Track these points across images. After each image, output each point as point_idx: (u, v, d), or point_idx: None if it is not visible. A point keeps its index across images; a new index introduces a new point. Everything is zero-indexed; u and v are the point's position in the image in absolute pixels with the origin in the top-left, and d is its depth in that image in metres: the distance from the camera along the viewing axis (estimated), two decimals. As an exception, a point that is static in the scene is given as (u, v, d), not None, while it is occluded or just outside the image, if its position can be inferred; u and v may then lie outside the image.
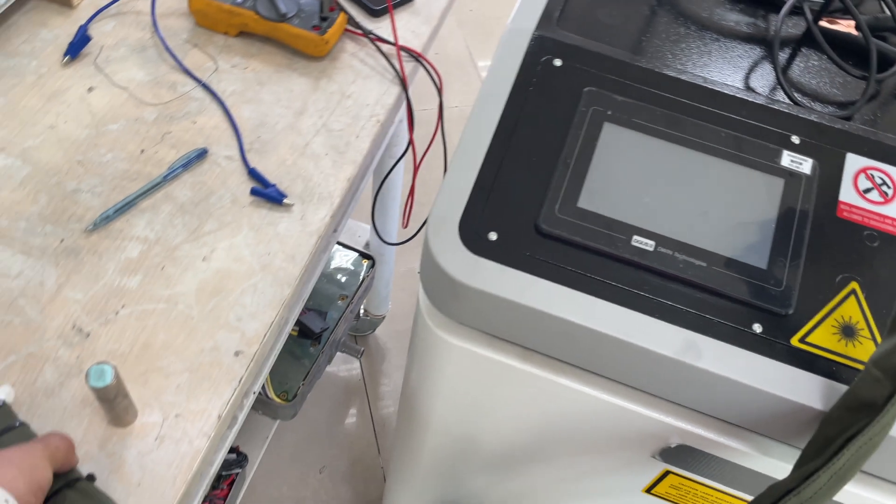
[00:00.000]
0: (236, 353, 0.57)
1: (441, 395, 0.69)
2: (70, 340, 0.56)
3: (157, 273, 0.60)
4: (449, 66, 1.95)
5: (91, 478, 0.49)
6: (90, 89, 0.71)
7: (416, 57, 0.78)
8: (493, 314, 0.57)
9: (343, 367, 1.47)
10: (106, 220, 0.62)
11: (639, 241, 0.55)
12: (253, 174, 0.67)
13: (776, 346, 0.51)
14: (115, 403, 0.50)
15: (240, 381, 0.56)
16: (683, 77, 0.62)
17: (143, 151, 0.67)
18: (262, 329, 0.59)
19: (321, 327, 0.99)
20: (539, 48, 0.63)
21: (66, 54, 0.72)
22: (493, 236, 0.55)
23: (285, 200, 0.65)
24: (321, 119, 0.72)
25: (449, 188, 0.56)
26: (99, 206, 0.63)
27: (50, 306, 0.58)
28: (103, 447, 0.52)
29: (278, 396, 0.98)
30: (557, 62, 0.62)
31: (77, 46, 0.72)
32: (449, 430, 0.74)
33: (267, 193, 0.65)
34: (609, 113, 0.60)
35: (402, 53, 0.78)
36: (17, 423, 0.49)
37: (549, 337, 0.57)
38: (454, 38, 2.06)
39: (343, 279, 1.08)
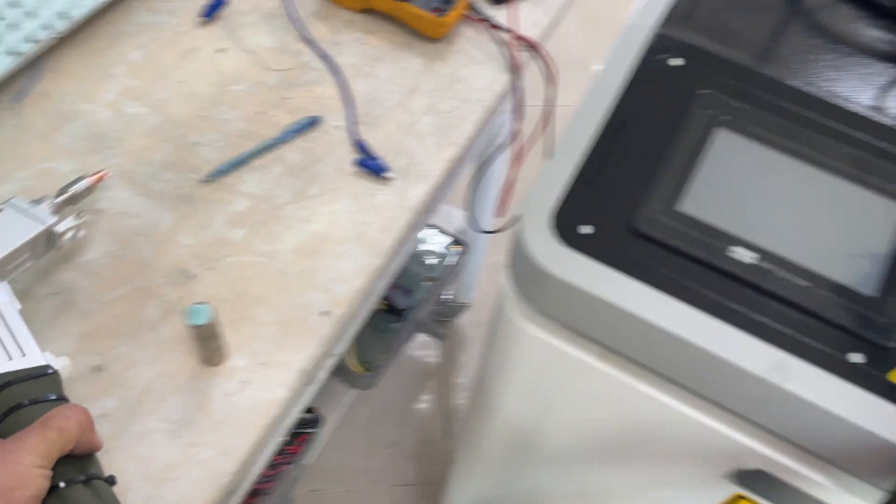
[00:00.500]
0: (324, 313, 0.59)
1: (514, 384, 0.69)
2: (176, 280, 0.60)
3: (260, 228, 0.64)
4: (564, 65, 1.92)
5: (111, 480, 0.44)
6: (220, 50, 0.75)
7: (532, 47, 0.78)
8: (577, 309, 0.57)
9: (423, 351, 1.49)
10: (220, 173, 0.66)
11: (739, 253, 0.53)
12: (360, 146, 0.69)
13: (874, 378, 0.48)
14: (208, 343, 0.53)
15: (324, 340, 0.58)
16: (810, 89, 0.60)
17: (261, 113, 0.71)
18: (350, 293, 0.61)
19: (406, 304, 1.01)
20: (659, 46, 0.62)
21: (202, 15, 0.76)
22: (586, 230, 0.55)
23: (387, 174, 0.67)
24: (430, 99, 0.73)
25: (548, 176, 0.56)
26: (215, 160, 0.67)
27: (162, 247, 0.62)
28: (193, 382, 0.55)
29: (360, 366, 1.01)
30: (677, 61, 0.61)
31: (213, 8, 0.77)
32: (517, 421, 0.74)
33: (370, 165, 0.67)
34: (724, 118, 0.58)
35: (518, 43, 0.78)
36: (53, 397, 0.46)
37: (633, 339, 0.56)
38: (573, 38, 2.04)
39: (432, 262, 1.10)
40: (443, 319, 1.48)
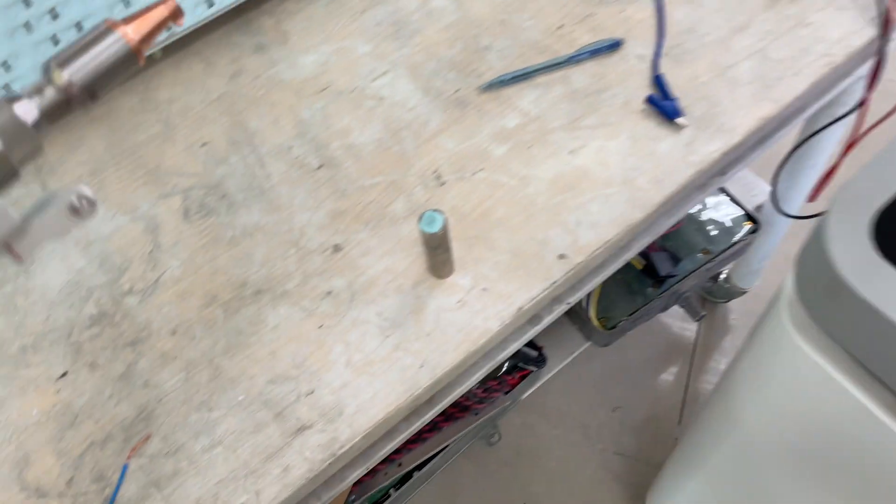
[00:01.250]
0: (560, 256, 0.54)
1: (766, 398, 0.58)
2: (427, 183, 0.59)
3: (523, 150, 0.59)
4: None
5: None
6: (539, -46, 0.70)
7: (921, -3, 0.60)
8: (877, 343, 0.44)
9: (680, 323, 1.37)
10: (501, 83, 0.62)
11: None
12: (657, 81, 0.60)
13: None
14: (435, 253, 0.51)
15: (552, 285, 0.53)
16: None
17: (560, 27, 0.65)
18: (595, 243, 0.54)
19: (668, 272, 0.91)
20: None
21: (530, -87, 0.71)
22: (920, 245, 0.41)
23: (679, 119, 0.57)
24: (761, 42, 0.61)
25: (883, 162, 0.43)
26: (500, 69, 0.63)
27: (424, 146, 0.61)
28: (414, 287, 0.54)
29: (599, 320, 0.94)
30: None
31: None
32: (755, 438, 0.62)
33: (663, 106, 0.58)
34: None
35: (903, -12, 0.60)
36: None
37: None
38: None
39: (714, 233, 0.96)
40: (712, 299, 1.33)
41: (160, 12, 0.27)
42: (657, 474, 1.18)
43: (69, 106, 0.25)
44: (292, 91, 0.64)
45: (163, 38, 0.64)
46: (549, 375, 1.03)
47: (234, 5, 0.66)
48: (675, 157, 0.56)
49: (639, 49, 0.62)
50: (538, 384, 1.00)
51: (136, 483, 0.48)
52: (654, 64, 0.61)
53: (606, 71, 0.62)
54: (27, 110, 0.24)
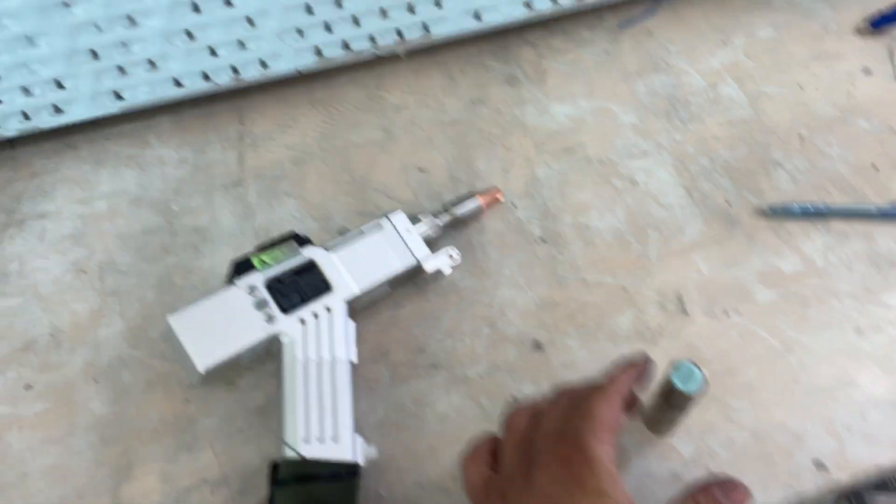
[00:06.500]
0: (818, 465, 0.42)
1: None
2: (666, 305, 0.48)
3: (795, 305, 0.47)
4: None
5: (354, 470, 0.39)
6: (865, 71, 0.58)
7: None
8: None
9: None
10: (785, 213, 0.51)
11: None
12: None
13: None
14: (669, 410, 0.40)
15: (800, 499, 0.41)
16: None
17: (874, 167, 0.53)
18: (866, 463, 0.42)
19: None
20: None
21: (869, 22, 0.59)
22: None
23: None
24: None
25: None
26: (787, 194, 0.52)
27: (672, 258, 0.50)
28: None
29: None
30: None
31: (886, 21, 0.59)
32: None
33: None
34: None
35: None
36: None
37: None
38: None
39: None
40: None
41: (492, 196, 0.50)
42: None
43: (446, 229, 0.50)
44: (534, 141, 0.55)
45: (414, 36, 0.56)
46: None
47: (501, 26, 0.57)
48: None
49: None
50: None
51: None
52: None
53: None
54: (435, 224, 0.48)
